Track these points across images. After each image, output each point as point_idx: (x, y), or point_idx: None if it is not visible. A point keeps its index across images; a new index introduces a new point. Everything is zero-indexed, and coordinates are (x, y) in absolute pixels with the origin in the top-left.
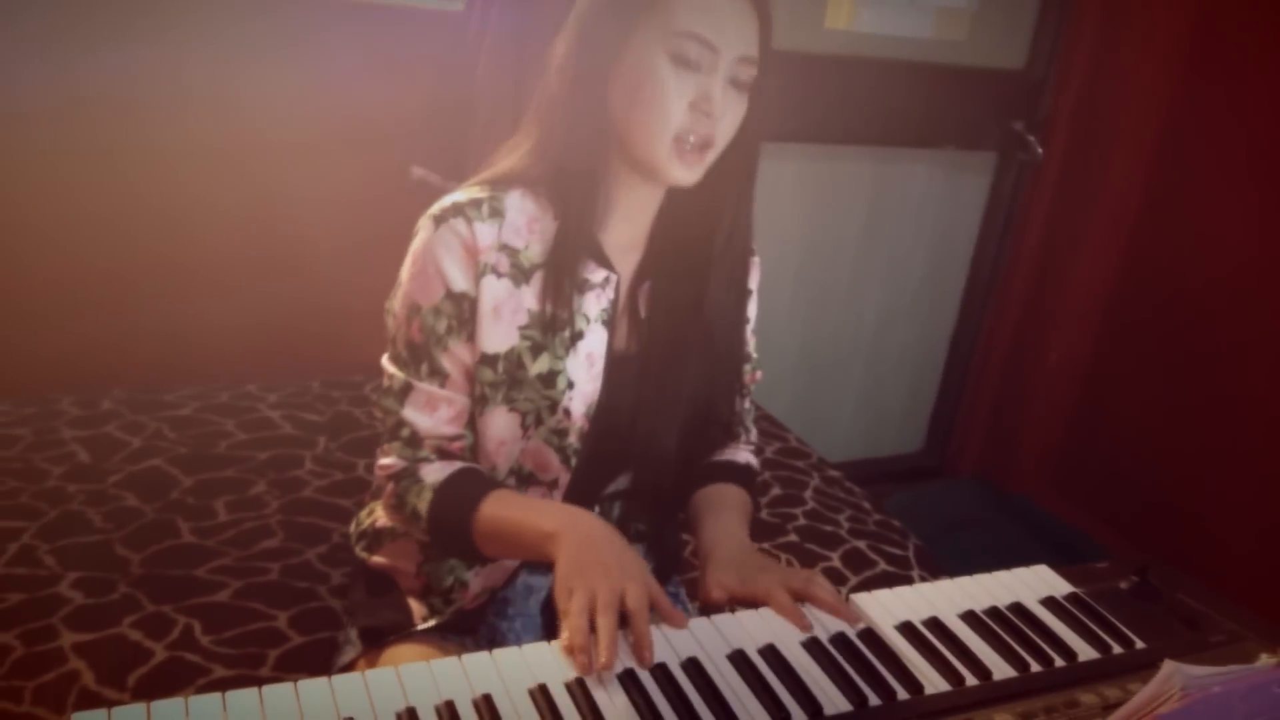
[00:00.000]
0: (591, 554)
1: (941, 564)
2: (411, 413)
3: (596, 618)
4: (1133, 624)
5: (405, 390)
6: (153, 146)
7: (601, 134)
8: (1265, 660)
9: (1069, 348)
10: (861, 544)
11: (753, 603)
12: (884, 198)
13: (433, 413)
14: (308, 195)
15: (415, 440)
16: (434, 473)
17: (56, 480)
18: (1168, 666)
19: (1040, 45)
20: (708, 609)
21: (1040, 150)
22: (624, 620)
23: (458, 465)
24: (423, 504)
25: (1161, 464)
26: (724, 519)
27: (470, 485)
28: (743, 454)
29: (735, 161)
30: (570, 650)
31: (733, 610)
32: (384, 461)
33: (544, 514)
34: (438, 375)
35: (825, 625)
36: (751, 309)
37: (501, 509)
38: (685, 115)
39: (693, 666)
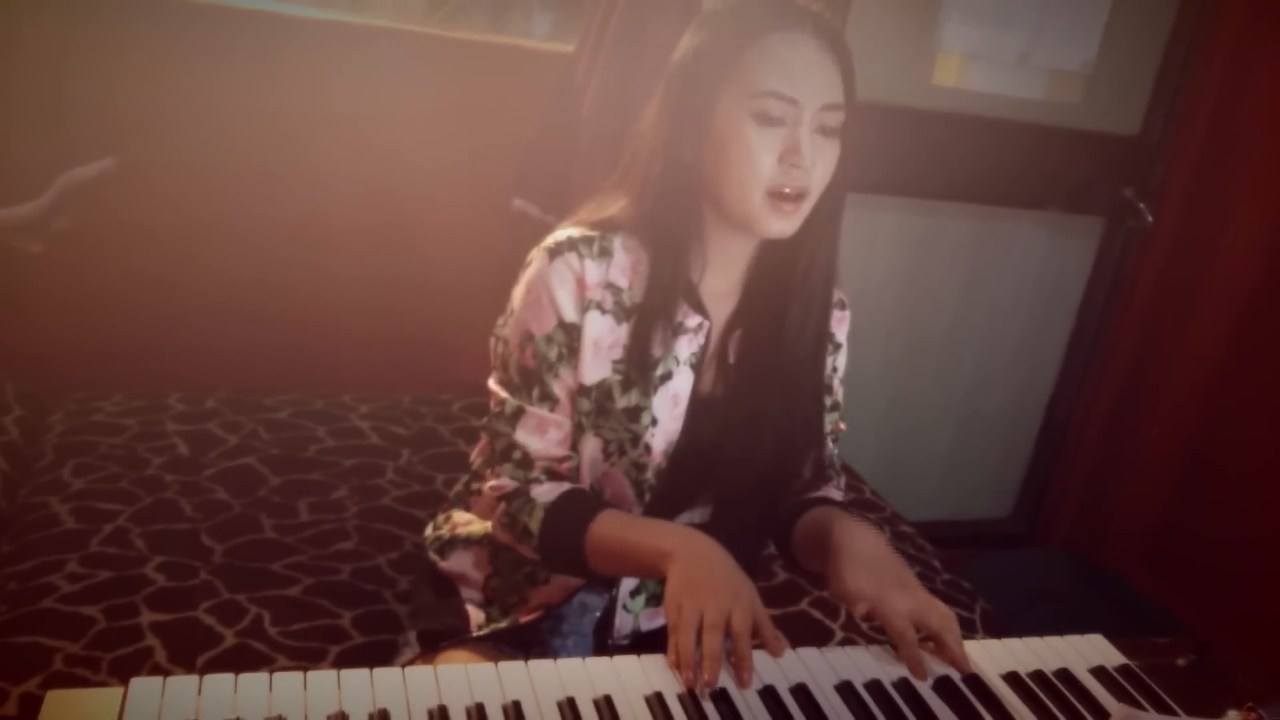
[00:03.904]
0: (703, 574)
1: (1015, 632)
2: (523, 436)
3: (703, 635)
4: (1184, 702)
5: (517, 414)
6: (278, 164)
7: (693, 194)
8: (1234, 715)
9: (1172, 422)
10: None
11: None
12: (985, 256)
13: (543, 435)
14: (417, 221)
15: (527, 462)
16: (545, 493)
17: (155, 469)
18: (1120, 711)
19: (1156, 111)
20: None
21: (1150, 218)
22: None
23: (567, 486)
24: (534, 523)
25: (1266, 551)
26: (850, 520)
27: (581, 505)
28: (834, 494)
29: (824, 212)
30: (675, 665)
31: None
32: (495, 483)
33: (660, 533)
34: (548, 400)
35: (863, 672)
36: (841, 360)
37: (614, 528)
38: (775, 170)
39: (722, 696)
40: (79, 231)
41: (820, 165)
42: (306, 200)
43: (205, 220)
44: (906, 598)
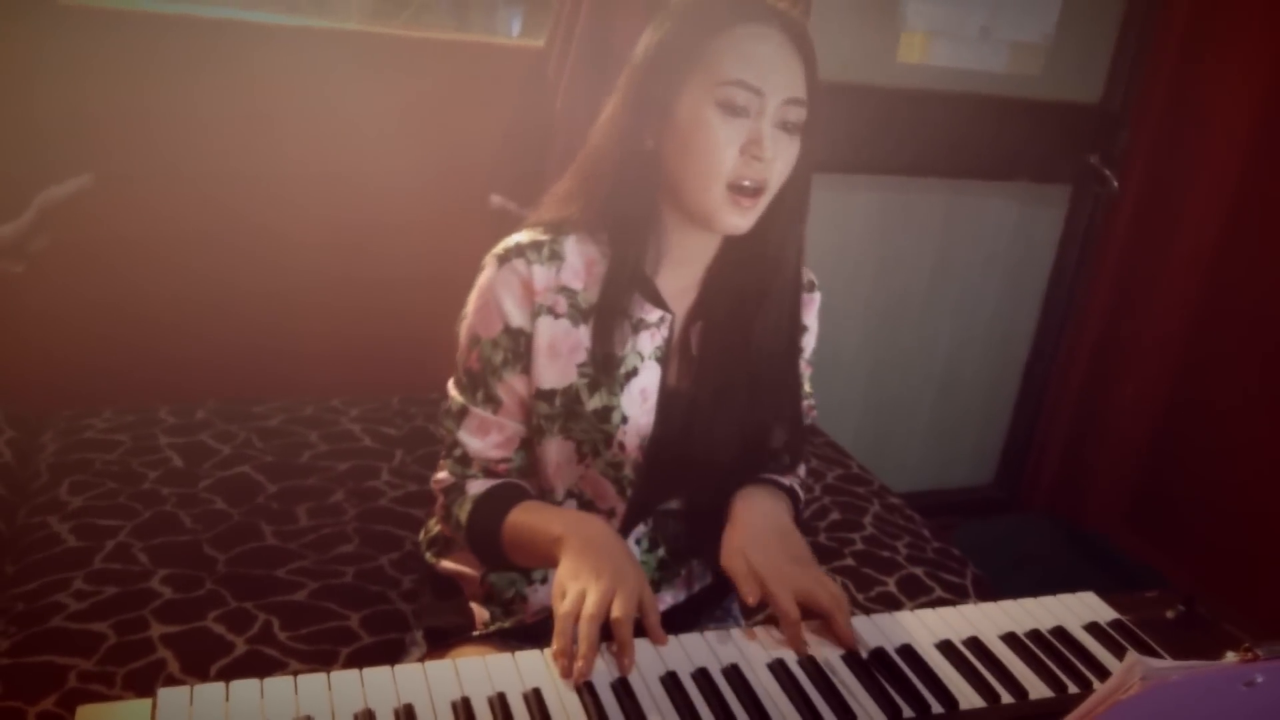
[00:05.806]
0: (589, 558)
1: (1006, 596)
2: (465, 435)
3: (580, 624)
4: (1176, 652)
5: (462, 414)
6: (255, 171)
7: (651, 186)
8: (1231, 656)
9: (1145, 382)
10: (918, 570)
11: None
12: (957, 229)
13: (484, 437)
14: (395, 222)
15: (466, 459)
16: (476, 487)
17: (152, 483)
18: (1130, 657)
19: (1117, 79)
20: (726, 574)
21: (1116, 184)
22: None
23: (498, 480)
24: (463, 514)
25: (1241, 504)
26: (755, 491)
27: (502, 498)
28: (788, 479)
29: (787, 203)
30: (556, 655)
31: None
32: (438, 475)
33: (553, 519)
34: (492, 402)
35: (864, 641)
36: (808, 342)
37: (523, 516)
38: (736, 161)
39: (734, 673)
40: (60, 250)
41: (781, 160)
42: (284, 206)
43: (185, 231)
44: (797, 575)
